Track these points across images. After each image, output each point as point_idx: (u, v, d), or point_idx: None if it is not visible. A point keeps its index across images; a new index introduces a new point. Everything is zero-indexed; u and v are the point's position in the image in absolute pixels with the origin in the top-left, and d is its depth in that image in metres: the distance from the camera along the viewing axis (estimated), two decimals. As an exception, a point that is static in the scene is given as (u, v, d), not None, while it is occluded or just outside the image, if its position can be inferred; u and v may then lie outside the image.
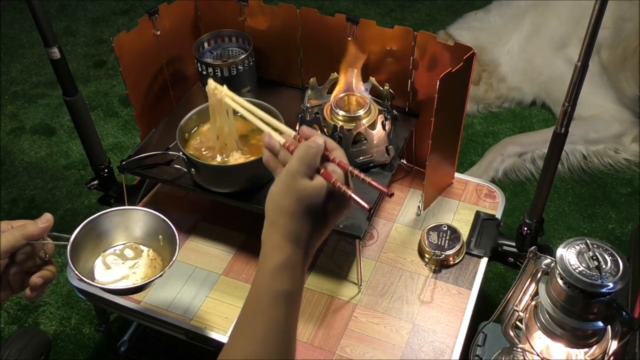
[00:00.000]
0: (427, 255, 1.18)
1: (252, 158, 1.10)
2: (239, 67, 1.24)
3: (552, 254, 0.89)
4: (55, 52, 1.10)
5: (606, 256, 0.84)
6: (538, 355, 0.93)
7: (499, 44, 2.21)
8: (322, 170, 0.66)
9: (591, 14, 0.85)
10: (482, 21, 2.25)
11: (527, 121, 2.14)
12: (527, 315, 0.95)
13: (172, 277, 1.18)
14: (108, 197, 1.32)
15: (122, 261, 0.97)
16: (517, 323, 0.97)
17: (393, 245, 1.22)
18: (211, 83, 0.95)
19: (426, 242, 1.18)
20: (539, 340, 0.93)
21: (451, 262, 1.17)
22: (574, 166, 1.93)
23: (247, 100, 0.87)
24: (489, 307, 1.23)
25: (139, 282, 0.93)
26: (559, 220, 1.78)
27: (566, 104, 0.94)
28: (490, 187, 1.33)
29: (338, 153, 0.68)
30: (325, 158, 0.67)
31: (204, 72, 1.25)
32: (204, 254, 1.22)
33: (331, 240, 1.23)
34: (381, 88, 1.19)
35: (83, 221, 0.93)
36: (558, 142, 0.99)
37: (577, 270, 0.83)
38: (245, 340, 0.65)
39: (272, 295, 0.65)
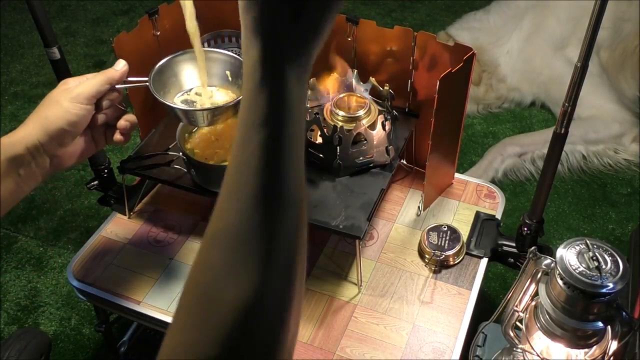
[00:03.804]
0: (427, 256, 1.18)
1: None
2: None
3: (552, 254, 0.89)
4: (55, 53, 1.10)
5: (606, 256, 0.84)
6: (538, 355, 0.93)
7: (499, 45, 2.21)
8: None
9: (591, 14, 0.85)
10: (481, 22, 2.25)
11: (527, 121, 2.14)
12: (527, 316, 0.95)
13: (172, 277, 1.18)
14: (108, 198, 1.31)
15: (195, 101, 1.04)
16: (517, 323, 0.97)
17: (393, 245, 1.22)
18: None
19: (426, 242, 1.18)
20: (539, 341, 0.93)
21: (451, 263, 1.17)
22: (574, 166, 1.93)
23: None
24: (489, 308, 1.23)
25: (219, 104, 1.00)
26: (559, 221, 1.78)
27: (566, 104, 0.94)
28: (490, 188, 1.33)
29: None
30: None
31: (204, 73, 1.25)
32: (204, 255, 1.22)
33: (331, 240, 1.23)
34: (381, 88, 1.19)
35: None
36: (558, 142, 0.99)
37: (577, 271, 0.83)
38: (234, 203, 0.47)
39: (258, 138, 0.45)
